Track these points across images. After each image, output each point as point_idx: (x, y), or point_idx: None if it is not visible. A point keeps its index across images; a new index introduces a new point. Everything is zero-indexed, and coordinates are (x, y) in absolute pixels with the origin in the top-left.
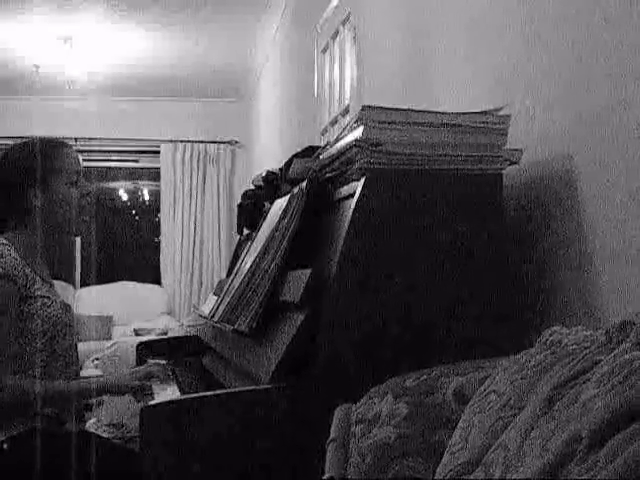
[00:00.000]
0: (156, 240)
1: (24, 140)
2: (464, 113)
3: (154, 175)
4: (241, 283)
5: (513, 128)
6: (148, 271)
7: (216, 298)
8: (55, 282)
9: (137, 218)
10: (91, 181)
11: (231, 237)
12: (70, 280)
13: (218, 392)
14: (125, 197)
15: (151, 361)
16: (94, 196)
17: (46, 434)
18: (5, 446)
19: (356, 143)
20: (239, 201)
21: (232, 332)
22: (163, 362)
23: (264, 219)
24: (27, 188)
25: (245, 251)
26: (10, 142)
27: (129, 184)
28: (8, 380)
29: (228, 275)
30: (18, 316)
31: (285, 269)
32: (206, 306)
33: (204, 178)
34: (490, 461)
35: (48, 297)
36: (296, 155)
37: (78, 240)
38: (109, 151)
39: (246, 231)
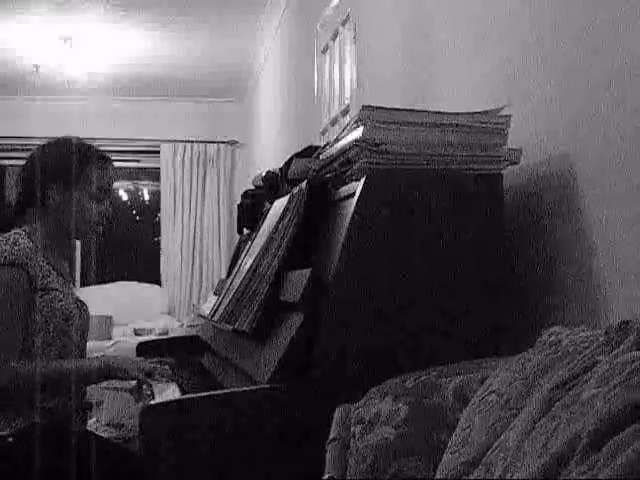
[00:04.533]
0: (156, 240)
1: (70, 138)
2: (464, 113)
3: (154, 175)
4: (241, 283)
5: (513, 128)
6: (148, 271)
7: (216, 298)
8: None
9: (137, 218)
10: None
11: (231, 237)
12: (70, 280)
13: (218, 392)
14: (125, 197)
15: (154, 360)
16: (109, 217)
17: (47, 432)
18: (11, 439)
19: (356, 143)
20: (239, 201)
21: (232, 332)
22: (167, 361)
23: (264, 219)
24: (50, 182)
25: (245, 251)
26: (10, 142)
27: (129, 184)
28: (8, 366)
29: (228, 275)
30: (29, 306)
31: (285, 269)
32: (206, 306)
33: (204, 178)
34: (490, 461)
35: (62, 291)
36: (296, 155)
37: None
38: (109, 151)
39: (246, 231)
